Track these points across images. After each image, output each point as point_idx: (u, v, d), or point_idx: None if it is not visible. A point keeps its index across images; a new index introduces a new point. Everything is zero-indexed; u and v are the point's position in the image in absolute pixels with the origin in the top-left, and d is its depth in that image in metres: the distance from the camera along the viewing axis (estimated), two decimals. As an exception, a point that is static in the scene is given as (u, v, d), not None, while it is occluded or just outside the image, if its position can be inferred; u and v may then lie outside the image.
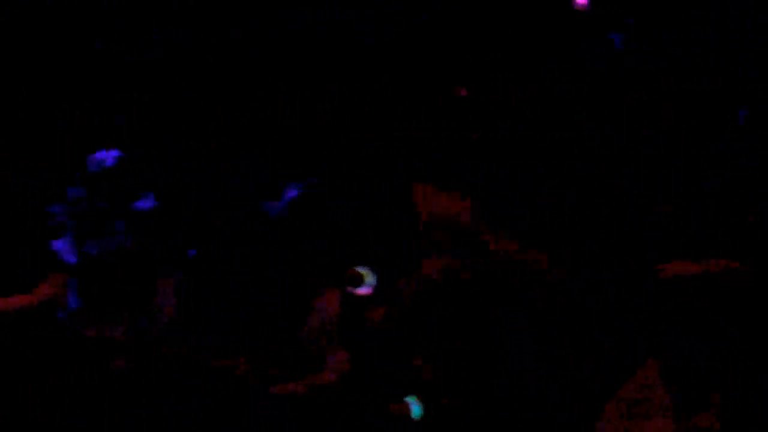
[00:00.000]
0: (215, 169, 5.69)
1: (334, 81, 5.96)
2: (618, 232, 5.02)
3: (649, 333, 4.40)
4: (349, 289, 5.03)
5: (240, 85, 6.05)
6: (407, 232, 5.06)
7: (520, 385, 4.64)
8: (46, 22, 6.18)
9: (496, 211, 5.07)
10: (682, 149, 5.44)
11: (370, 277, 5.02)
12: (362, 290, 5.05)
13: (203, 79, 6.10)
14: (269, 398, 4.82)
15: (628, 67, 5.82)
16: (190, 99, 6.04)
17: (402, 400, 4.76)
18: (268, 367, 4.93)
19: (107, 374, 4.91)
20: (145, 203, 5.36)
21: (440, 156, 5.43)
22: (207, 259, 5.30)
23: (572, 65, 5.90)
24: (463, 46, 6.05)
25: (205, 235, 5.38)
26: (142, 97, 6.05)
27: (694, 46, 5.79)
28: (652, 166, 5.32)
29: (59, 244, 5.31)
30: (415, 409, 4.74)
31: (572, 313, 4.63)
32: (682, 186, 5.23)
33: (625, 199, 5.19)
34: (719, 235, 4.92)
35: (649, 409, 4.26)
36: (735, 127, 5.62)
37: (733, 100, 5.63)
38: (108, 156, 5.40)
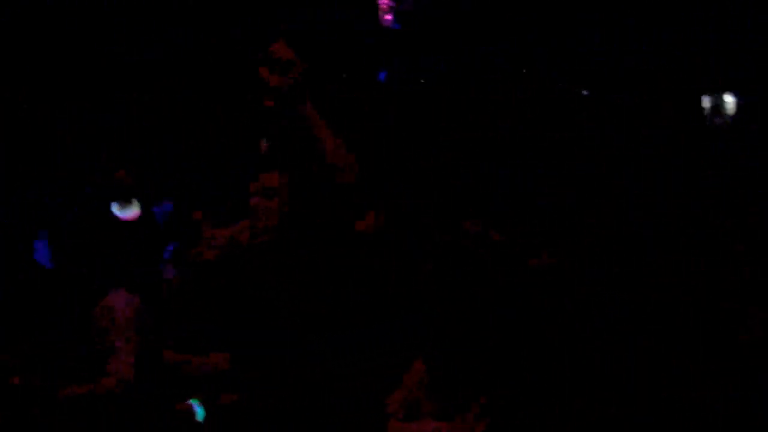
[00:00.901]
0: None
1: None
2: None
3: (416, 338, 4.51)
4: (116, 213, 5.02)
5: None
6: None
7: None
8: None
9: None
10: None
11: (135, 204, 5.02)
12: (127, 215, 5.04)
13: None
14: (50, 402, 4.77)
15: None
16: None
17: (186, 401, 4.76)
18: (52, 369, 4.87)
19: None
20: None
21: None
22: None
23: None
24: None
25: None
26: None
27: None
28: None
29: None
30: (199, 411, 4.75)
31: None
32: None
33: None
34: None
35: (416, 412, 4.38)
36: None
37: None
38: None
